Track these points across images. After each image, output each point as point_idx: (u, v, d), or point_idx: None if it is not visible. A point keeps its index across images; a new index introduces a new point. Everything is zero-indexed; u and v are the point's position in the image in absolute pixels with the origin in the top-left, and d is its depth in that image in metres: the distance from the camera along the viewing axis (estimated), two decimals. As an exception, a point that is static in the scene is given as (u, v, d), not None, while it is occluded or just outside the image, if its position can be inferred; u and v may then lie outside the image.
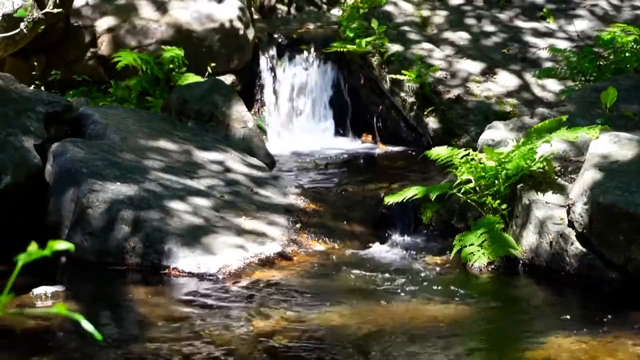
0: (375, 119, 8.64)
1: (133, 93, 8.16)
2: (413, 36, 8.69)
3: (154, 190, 5.42)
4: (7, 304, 1.35)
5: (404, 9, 9.11)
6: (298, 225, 5.57)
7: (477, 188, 5.28)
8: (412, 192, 5.36)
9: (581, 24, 8.86)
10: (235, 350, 3.81)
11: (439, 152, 5.43)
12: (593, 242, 4.61)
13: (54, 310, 1.33)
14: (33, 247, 1.33)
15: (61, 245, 1.34)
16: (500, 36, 8.79)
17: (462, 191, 5.27)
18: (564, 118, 5.28)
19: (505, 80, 8.14)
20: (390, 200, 5.44)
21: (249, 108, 8.16)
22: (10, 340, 3.89)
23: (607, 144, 4.93)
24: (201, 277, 4.84)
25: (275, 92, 9.00)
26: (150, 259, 4.99)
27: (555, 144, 5.30)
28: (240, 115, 7.42)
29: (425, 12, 9.10)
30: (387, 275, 4.91)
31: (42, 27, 7.09)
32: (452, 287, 4.70)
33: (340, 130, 8.91)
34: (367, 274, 4.95)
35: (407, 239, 5.68)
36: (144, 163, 5.81)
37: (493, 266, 4.95)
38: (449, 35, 8.78)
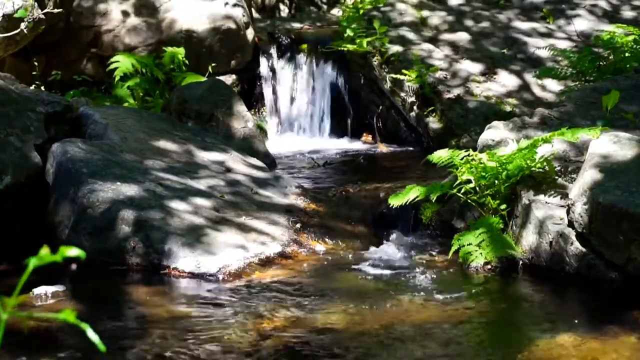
0: (375, 118, 8.64)
1: (134, 93, 8.16)
2: (413, 36, 8.69)
3: (154, 190, 5.42)
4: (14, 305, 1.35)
5: (404, 10, 9.12)
6: (298, 225, 5.58)
7: (477, 188, 5.28)
8: (414, 193, 5.36)
9: (581, 24, 8.87)
10: (235, 350, 3.81)
11: (440, 155, 5.43)
12: (593, 242, 4.61)
13: (62, 316, 1.33)
14: (45, 250, 1.33)
15: (72, 251, 1.34)
16: (500, 36, 8.79)
17: (462, 191, 5.28)
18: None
19: (505, 81, 8.15)
20: (393, 202, 5.45)
21: (249, 108, 8.16)
22: (10, 340, 3.89)
23: (607, 144, 4.93)
24: (201, 277, 4.84)
25: (275, 92, 9.01)
26: (150, 259, 4.99)
27: (555, 144, 5.30)
28: (240, 115, 7.42)
29: (426, 13, 9.11)
30: (387, 275, 4.92)
31: (43, 27, 7.10)
32: (452, 287, 4.70)
33: (340, 130, 8.91)
34: (367, 274, 4.95)
35: (407, 238, 5.68)
36: (144, 163, 5.81)
37: (490, 266, 4.95)
38: (449, 35, 8.79)
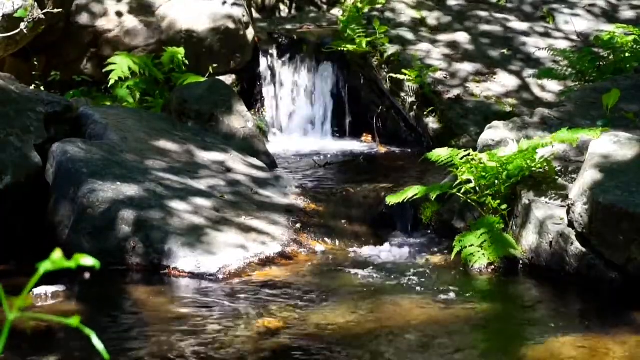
0: (375, 119, 8.64)
1: (133, 93, 8.15)
2: (413, 36, 8.69)
3: (154, 190, 5.42)
4: (22, 306, 1.35)
5: (404, 10, 9.12)
6: (298, 225, 5.58)
7: (478, 188, 5.28)
8: (412, 192, 5.36)
9: (581, 24, 8.87)
10: (235, 350, 3.81)
11: (439, 153, 5.43)
12: (593, 242, 4.61)
13: (69, 321, 1.33)
14: (57, 254, 1.32)
15: (87, 260, 1.33)
16: (500, 36, 8.79)
17: (462, 191, 5.28)
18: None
19: (505, 81, 8.14)
20: (391, 200, 5.44)
21: (249, 108, 8.16)
22: (10, 340, 3.89)
23: (607, 144, 4.93)
24: (201, 277, 4.84)
25: (275, 92, 9.01)
26: (150, 258, 4.99)
27: (555, 144, 5.30)
28: (240, 115, 7.42)
29: (425, 13, 9.11)
30: (387, 275, 4.91)
31: (43, 27, 7.10)
32: (453, 287, 4.70)
33: (340, 130, 8.91)
34: (367, 274, 4.95)
35: (407, 239, 5.68)
36: (144, 163, 5.81)
37: (493, 267, 4.95)
38: (448, 35, 8.79)
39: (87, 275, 4.95)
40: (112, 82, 7.94)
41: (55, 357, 3.83)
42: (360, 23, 8.73)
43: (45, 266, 1.31)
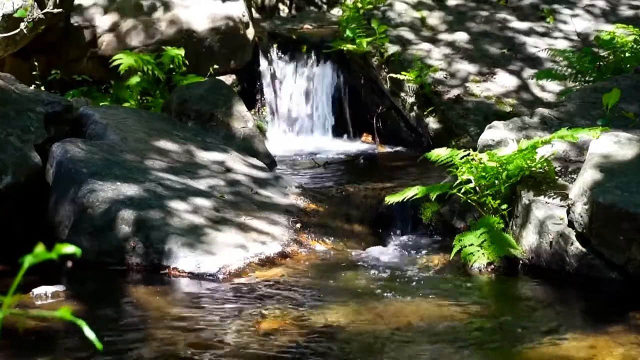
0: (375, 119, 8.64)
1: (133, 93, 8.17)
2: (413, 36, 8.70)
3: (154, 190, 5.43)
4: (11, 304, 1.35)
5: (404, 9, 9.12)
6: (298, 225, 5.58)
7: (477, 188, 5.28)
8: (412, 192, 5.36)
9: (580, 24, 8.87)
10: (235, 351, 3.81)
11: (439, 153, 5.43)
12: (593, 242, 4.61)
13: (59, 314, 1.33)
14: (40, 248, 1.32)
15: (68, 249, 1.33)
16: (500, 36, 8.80)
17: (462, 191, 5.28)
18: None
19: (505, 81, 8.15)
20: (391, 200, 5.45)
21: (249, 108, 8.17)
22: (10, 340, 3.89)
23: (607, 144, 4.93)
24: (201, 277, 4.84)
25: (275, 92, 9.01)
26: (150, 259, 4.99)
27: (555, 144, 5.30)
28: (240, 115, 7.43)
29: (425, 12, 9.11)
30: (387, 275, 4.91)
31: (42, 27, 7.10)
32: (452, 287, 4.71)
33: (340, 130, 8.92)
34: (367, 273, 4.95)
35: (407, 238, 5.69)
36: (144, 163, 5.82)
37: (493, 266, 4.95)
38: (448, 35, 8.79)
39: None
40: (122, 72, 8.03)
41: (54, 356, 3.83)
42: (360, 23, 8.74)
43: (29, 259, 1.31)
